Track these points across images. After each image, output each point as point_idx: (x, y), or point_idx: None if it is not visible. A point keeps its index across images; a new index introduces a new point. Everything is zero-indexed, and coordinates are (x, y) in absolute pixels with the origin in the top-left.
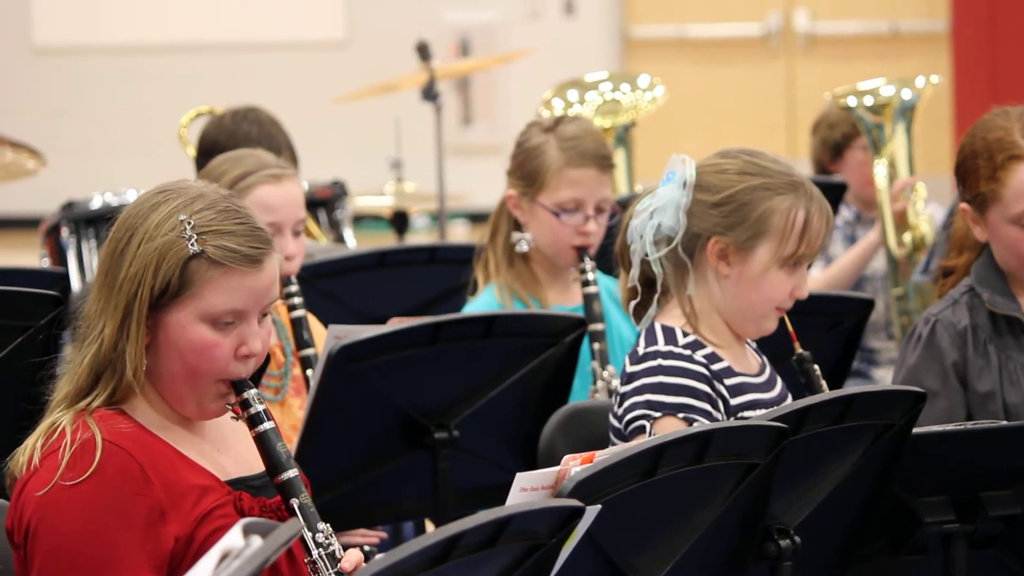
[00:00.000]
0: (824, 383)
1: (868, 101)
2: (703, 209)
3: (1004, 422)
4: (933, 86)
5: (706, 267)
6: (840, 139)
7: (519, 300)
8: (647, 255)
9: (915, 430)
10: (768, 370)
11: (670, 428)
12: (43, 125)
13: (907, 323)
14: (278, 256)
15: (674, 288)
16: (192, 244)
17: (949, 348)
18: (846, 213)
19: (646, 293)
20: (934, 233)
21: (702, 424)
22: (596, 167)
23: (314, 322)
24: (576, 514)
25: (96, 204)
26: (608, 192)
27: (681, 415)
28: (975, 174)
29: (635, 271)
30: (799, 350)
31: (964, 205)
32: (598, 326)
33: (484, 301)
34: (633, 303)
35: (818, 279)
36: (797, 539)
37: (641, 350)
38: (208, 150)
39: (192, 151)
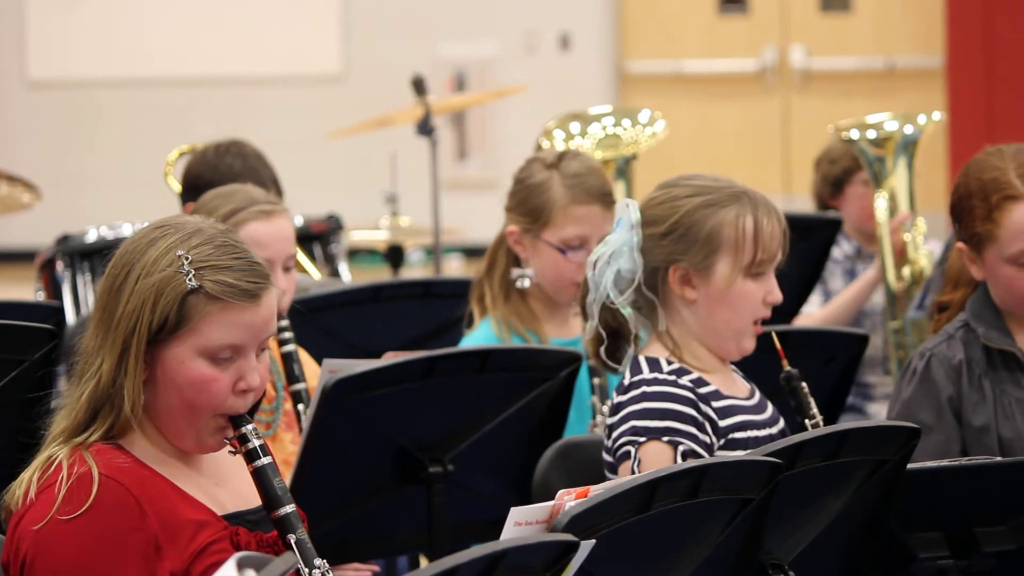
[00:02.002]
0: (812, 400)
1: (871, 135)
2: (654, 242)
3: (998, 458)
4: (935, 123)
5: (673, 297)
6: (840, 174)
7: (516, 334)
8: (612, 302)
9: (909, 466)
10: (758, 394)
11: (655, 452)
12: (38, 159)
13: (903, 357)
14: (276, 291)
15: (649, 328)
16: (190, 279)
17: (944, 382)
18: (846, 247)
19: (612, 341)
20: (933, 267)
21: (687, 447)
22: (601, 204)
23: (306, 357)
24: (571, 549)
25: (91, 238)
26: (610, 228)
27: (666, 439)
28: (971, 214)
29: (593, 322)
30: (787, 368)
31: (960, 244)
32: None
33: (481, 335)
34: (602, 348)
35: (817, 315)
36: (791, 574)
37: (627, 381)
38: (192, 185)
39: (178, 187)
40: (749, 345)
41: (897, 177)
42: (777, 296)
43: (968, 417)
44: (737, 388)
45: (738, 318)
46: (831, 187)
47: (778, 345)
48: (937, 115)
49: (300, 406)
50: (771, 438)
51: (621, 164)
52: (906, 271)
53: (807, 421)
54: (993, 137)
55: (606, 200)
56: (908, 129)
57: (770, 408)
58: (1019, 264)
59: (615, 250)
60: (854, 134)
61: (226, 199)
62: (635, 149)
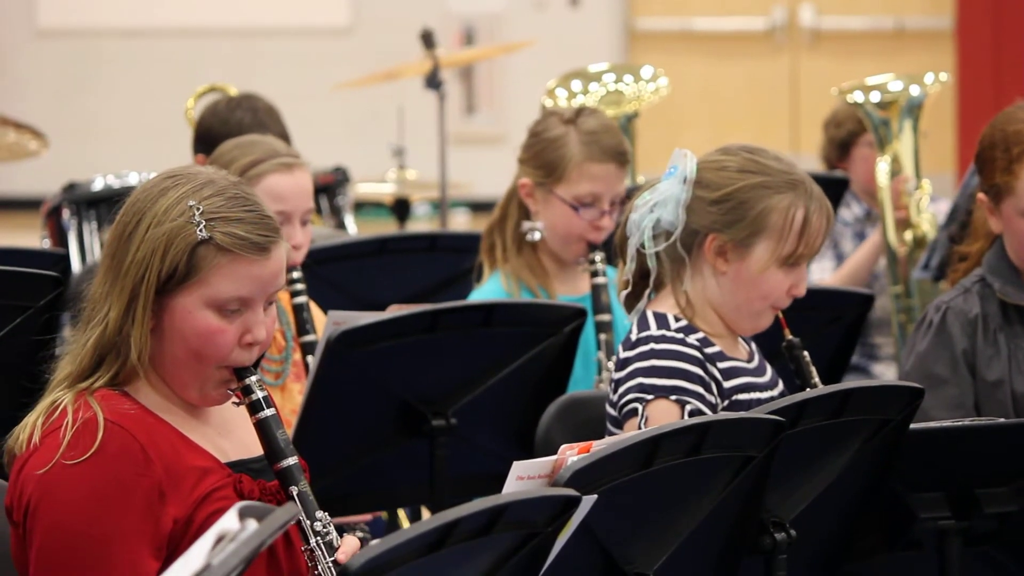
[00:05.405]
0: (814, 369)
1: (875, 97)
2: (702, 206)
3: (1001, 419)
4: (941, 84)
5: (703, 263)
6: (846, 136)
7: (526, 288)
8: (644, 248)
9: (912, 426)
10: (757, 356)
11: (662, 410)
12: (46, 106)
13: (905, 321)
14: (285, 244)
15: (670, 281)
16: (201, 230)
17: (959, 336)
18: (856, 210)
19: (639, 285)
20: (936, 231)
21: (694, 406)
22: (616, 162)
23: (314, 309)
24: (572, 503)
25: (98, 186)
26: (623, 187)
27: (673, 397)
28: (992, 165)
29: (631, 264)
30: (788, 336)
31: (981, 195)
32: (605, 317)
33: (490, 289)
34: (625, 293)
35: (830, 281)
36: (792, 532)
37: (634, 336)
38: (203, 136)
39: None
40: (764, 323)
41: (903, 140)
42: (802, 291)
43: (982, 371)
44: (739, 350)
45: (758, 301)
46: (838, 150)
47: (780, 316)
48: (944, 76)
49: (309, 357)
50: (772, 400)
51: (623, 122)
52: (908, 235)
53: (808, 390)
54: (1002, 98)
55: (621, 159)
56: (914, 91)
57: (769, 371)
58: None
59: (661, 199)
60: (858, 96)
61: (246, 150)
62: (637, 106)
